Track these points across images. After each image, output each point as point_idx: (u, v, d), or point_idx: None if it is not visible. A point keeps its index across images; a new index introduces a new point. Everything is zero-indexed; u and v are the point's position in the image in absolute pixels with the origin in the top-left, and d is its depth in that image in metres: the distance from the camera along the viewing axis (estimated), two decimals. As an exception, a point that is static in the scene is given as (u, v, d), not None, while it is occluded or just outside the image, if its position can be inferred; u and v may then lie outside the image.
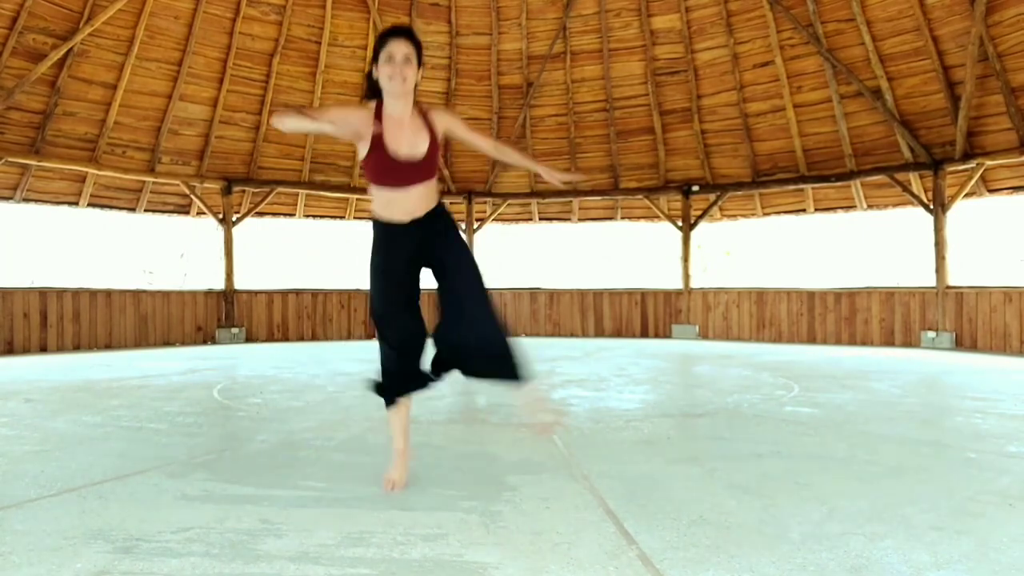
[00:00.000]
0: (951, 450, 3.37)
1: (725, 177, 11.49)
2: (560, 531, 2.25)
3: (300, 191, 11.89)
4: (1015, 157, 8.91)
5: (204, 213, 11.25)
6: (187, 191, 10.98)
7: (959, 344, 9.21)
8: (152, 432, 3.89)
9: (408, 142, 2.57)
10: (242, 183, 11.21)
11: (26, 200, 10.12)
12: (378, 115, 2.58)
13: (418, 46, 2.58)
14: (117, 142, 10.31)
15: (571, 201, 12.57)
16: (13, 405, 4.84)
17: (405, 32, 2.58)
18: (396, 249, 2.67)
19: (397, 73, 2.51)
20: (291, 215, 12.31)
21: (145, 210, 11.17)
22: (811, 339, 10.48)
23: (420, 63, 2.58)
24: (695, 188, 11.51)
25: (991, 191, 9.74)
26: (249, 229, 11.96)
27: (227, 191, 11.07)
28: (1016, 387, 5.54)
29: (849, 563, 1.96)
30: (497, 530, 2.26)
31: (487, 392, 5.58)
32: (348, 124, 2.57)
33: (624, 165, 11.98)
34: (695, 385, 6.16)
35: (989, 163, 9.25)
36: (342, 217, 12.65)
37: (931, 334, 9.42)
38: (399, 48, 2.52)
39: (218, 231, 11.25)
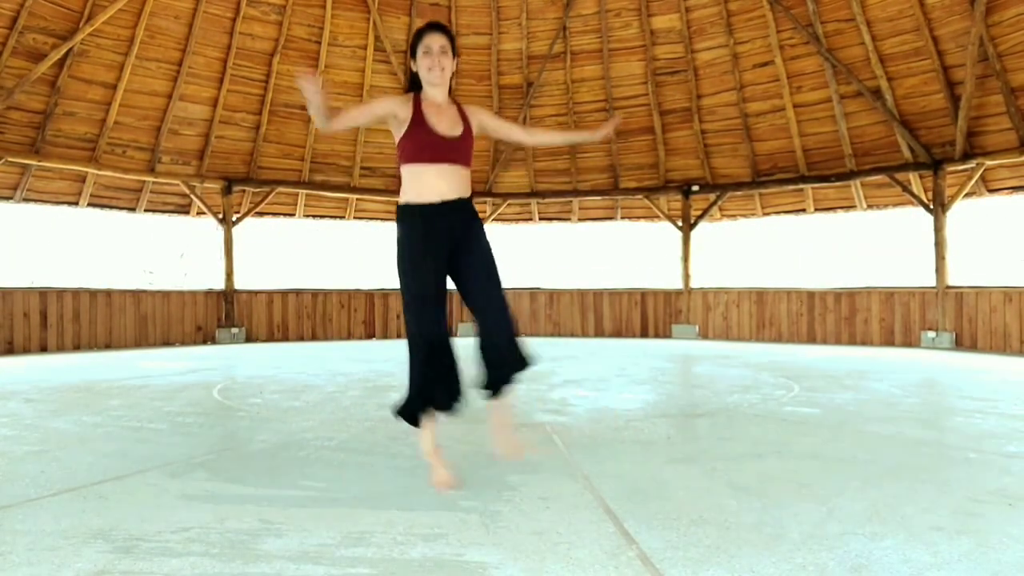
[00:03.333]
0: (951, 450, 3.37)
1: (725, 177, 11.49)
2: (560, 531, 2.24)
3: (300, 191, 11.90)
4: (1015, 157, 8.91)
5: (204, 213, 11.25)
6: (187, 191, 10.98)
7: (959, 344, 9.21)
8: (152, 432, 3.89)
9: (447, 123, 2.74)
10: (242, 183, 11.21)
11: (26, 200, 10.12)
12: (418, 100, 2.76)
13: (452, 38, 2.80)
14: (117, 142, 10.31)
15: (571, 201, 12.57)
16: (13, 405, 4.84)
17: (439, 26, 2.79)
18: (429, 231, 2.71)
19: (436, 63, 2.73)
20: (291, 215, 12.31)
21: (145, 210, 11.17)
22: (811, 339, 10.48)
23: (455, 53, 2.80)
24: (695, 188, 11.51)
25: (991, 191, 9.75)
26: (250, 229, 11.95)
27: (227, 191, 11.08)
28: (1016, 387, 5.54)
29: (849, 563, 1.96)
30: (497, 530, 2.26)
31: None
32: (386, 108, 2.75)
33: (624, 165, 11.98)
34: (695, 385, 6.16)
35: (989, 163, 9.25)
36: (342, 217, 12.66)
37: (931, 334, 9.42)
38: (435, 40, 2.75)
39: (218, 231, 11.25)
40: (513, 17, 11.57)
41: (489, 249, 2.83)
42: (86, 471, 3.01)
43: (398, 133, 2.75)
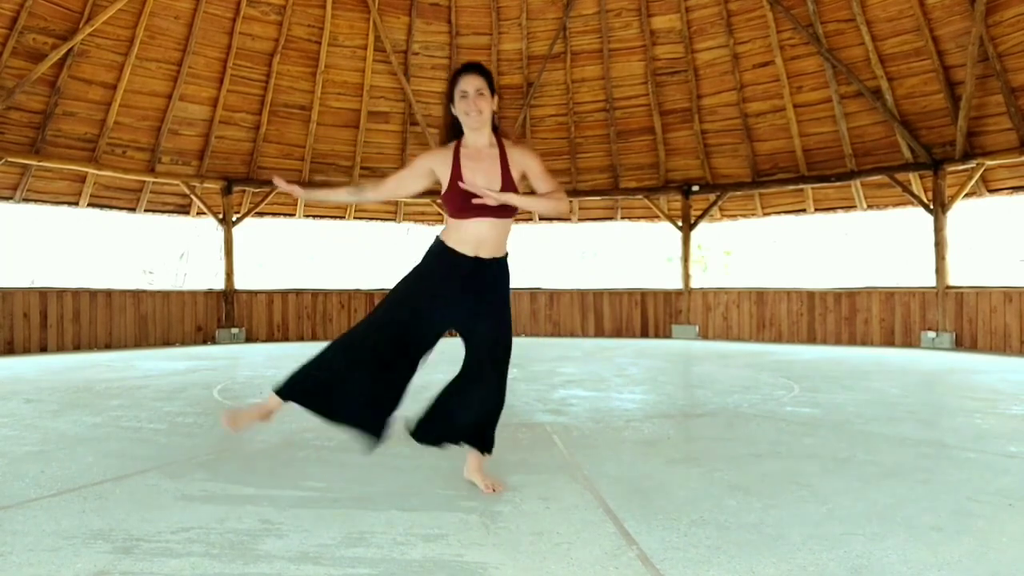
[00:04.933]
0: (951, 450, 3.37)
1: (725, 177, 11.49)
2: (560, 531, 2.25)
3: (300, 191, 11.88)
4: (1015, 157, 8.91)
5: (204, 213, 11.25)
6: (187, 191, 10.98)
7: (959, 344, 9.21)
8: (152, 432, 3.89)
9: (484, 175, 2.62)
10: (242, 183, 11.21)
11: (26, 200, 10.11)
12: (457, 151, 2.66)
13: (488, 77, 2.66)
14: (117, 142, 10.31)
15: (571, 201, 12.57)
16: (13, 405, 4.84)
17: (474, 67, 2.67)
18: (442, 273, 2.63)
19: (472, 107, 2.60)
20: (291, 215, 12.31)
21: (145, 210, 11.17)
22: (811, 339, 10.48)
23: (493, 92, 2.67)
24: (695, 188, 11.51)
25: (991, 191, 9.74)
26: (250, 229, 11.96)
27: (227, 191, 11.07)
28: (1016, 387, 5.54)
29: (849, 563, 1.96)
30: (497, 530, 2.26)
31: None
32: (424, 167, 2.68)
33: (624, 165, 11.97)
34: (695, 385, 6.16)
35: (989, 163, 9.24)
36: (342, 217, 12.66)
37: (931, 334, 9.42)
38: (471, 83, 2.61)
39: (218, 231, 11.25)
40: (513, 17, 11.57)
41: (504, 320, 2.69)
42: (86, 471, 3.01)
43: (443, 185, 2.66)
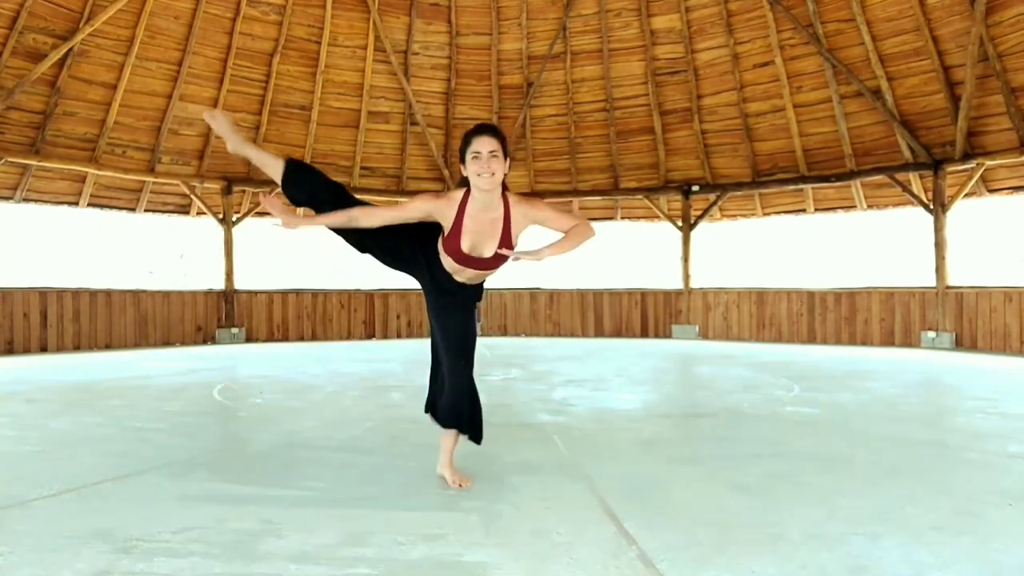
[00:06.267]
0: (951, 450, 3.37)
1: (725, 177, 11.49)
2: (560, 531, 2.25)
3: (300, 191, 11.88)
4: (1015, 157, 8.91)
5: (204, 213, 11.25)
6: (187, 191, 10.98)
7: (959, 344, 9.21)
8: (152, 432, 3.89)
9: (480, 241, 2.71)
10: (242, 183, 11.21)
11: (26, 200, 10.11)
12: (463, 204, 2.71)
13: (502, 140, 2.69)
14: (117, 142, 10.30)
15: (571, 201, 12.56)
16: (13, 405, 4.84)
17: (488, 129, 2.70)
18: (432, 261, 2.83)
19: (485, 168, 2.61)
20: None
21: (145, 210, 11.17)
22: (811, 339, 10.48)
23: (506, 155, 2.69)
24: (695, 188, 11.51)
25: (991, 191, 9.75)
26: (250, 229, 11.93)
27: (227, 191, 11.07)
28: (1016, 387, 5.54)
29: (849, 563, 1.96)
30: (497, 530, 2.26)
31: (487, 392, 5.57)
32: (426, 211, 2.77)
33: (624, 165, 11.97)
34: (695, 385, 6.16)
35: (989, 163, 9.25)
36: (342, 217, 12.64)
37: (931, 334, 9.42)
38: (484, 144, 2.63)
39: (218, 231, 11.25)
40: (513, 17, 11.57)
41: (473, 317, 2.92)
42: (86, 471, 3.00)
43: (444, 228, 2.76)
